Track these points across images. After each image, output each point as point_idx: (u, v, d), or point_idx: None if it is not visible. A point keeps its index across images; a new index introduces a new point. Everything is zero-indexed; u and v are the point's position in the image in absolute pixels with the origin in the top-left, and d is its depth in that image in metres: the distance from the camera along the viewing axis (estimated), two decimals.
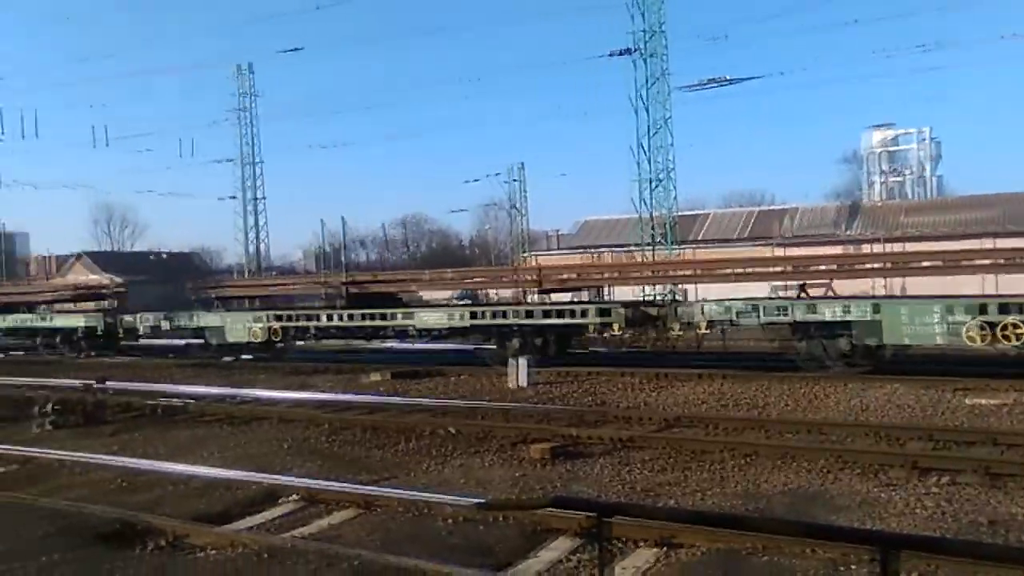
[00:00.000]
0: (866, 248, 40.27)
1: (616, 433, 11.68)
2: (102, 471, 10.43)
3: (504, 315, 20.78)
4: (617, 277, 28.74)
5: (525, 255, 57.84)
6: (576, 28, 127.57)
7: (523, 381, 16.99)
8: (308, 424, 13.49)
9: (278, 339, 23.77)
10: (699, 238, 52.02)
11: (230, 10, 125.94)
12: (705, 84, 38.07)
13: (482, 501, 7.25)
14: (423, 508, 8.13)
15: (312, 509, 8.55)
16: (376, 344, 26.30)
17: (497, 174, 61.21)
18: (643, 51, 37.49)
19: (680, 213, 42.51)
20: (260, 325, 23.63)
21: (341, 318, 22.87)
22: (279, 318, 23.72)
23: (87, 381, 16.48)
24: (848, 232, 48.80)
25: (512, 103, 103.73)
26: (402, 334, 22.86)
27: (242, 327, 23.87)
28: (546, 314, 20.35)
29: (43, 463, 11.07)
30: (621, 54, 37.57)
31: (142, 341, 28.72)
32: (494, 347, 21.02)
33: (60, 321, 29.24)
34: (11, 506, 8.42)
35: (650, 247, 39.35)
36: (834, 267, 25.04)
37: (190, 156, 49.91)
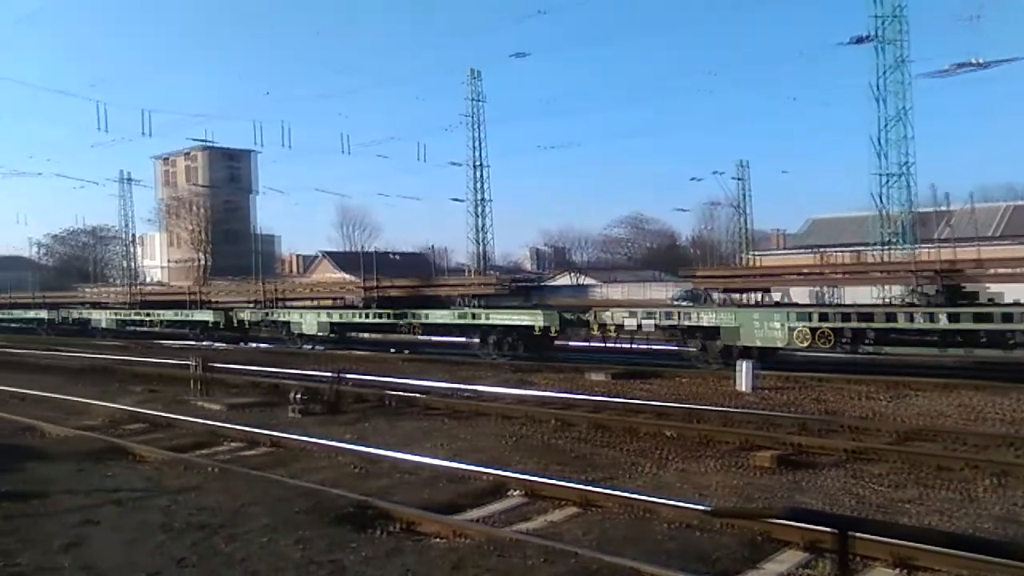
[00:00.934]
0: None
1: (846, 444, 11.07)
2: (341, 456, 11.26)
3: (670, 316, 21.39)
4: (844, 278, 27.26)
5: (747, 255, 55.98)
6: (807, 16, 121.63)
7: (746, 386, 16.49)
8: (528, 420, 13.84)
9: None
10: (942, 236, 47.95)
11: (459, 18, 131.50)
12: (952, 69, 34.95)
13: (711, 507, 7.11)
14: (642, 510, 8.10)
15: (534, 504, 8.77)
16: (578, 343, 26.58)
17: (721, 172, 59.46)
18: (880, 38, 35.11)
19: (921, 210, 39.41)
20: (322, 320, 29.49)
21: (379, 316, 28.74)
22: (340, 316, 29.68)
23: (330, 373, 17.81)
24: None
25: (740, 97, 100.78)
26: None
27: (314, 322, 29.42)
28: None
29: (291, 446, 12.12)
30: (859, 41, 35.37)
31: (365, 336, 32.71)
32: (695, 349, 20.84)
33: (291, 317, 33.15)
34: (271, 483, 9.30)
35: (886, 246, 36.83)
36: None
37: (422, 160, 52.29)
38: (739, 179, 59.24)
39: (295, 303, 37.78)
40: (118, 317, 41.78)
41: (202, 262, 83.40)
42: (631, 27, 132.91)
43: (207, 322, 35.41)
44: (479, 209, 51.89)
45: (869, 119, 36.44)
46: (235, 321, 34.13)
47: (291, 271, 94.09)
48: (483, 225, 52.31)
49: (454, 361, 23.74)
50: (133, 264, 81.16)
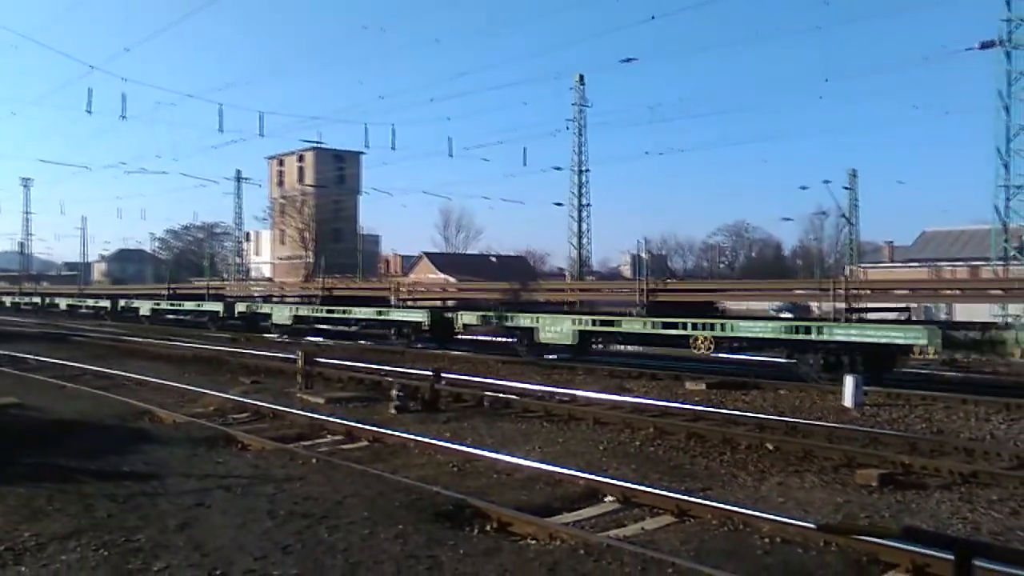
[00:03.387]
0: None
1: (957, 466, 10.60)
2: (440, 455, 11.45)
3: (804, 331, 19.98)
4: (957, 295, 26.07)
5: (853, 267, 54.18)
6: (931, 20, 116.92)
7: (851, 401, 15.98)
8: (624, 427, 13.77)
9: (585, 342, 24.66)
10: None
11: (568, 24, 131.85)
12: None
13: (817, 522, 6.93)
14: (741, 523, 7.96)
15: (628, 512, 8.72)
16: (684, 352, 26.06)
17: (828, 181, 57.83)
18: (1009, 42, 33.50)
19: None
20: (572, 328, 24.51)
21: (645, 325, 23.24)
22: (591, 322, 24.65)
23: (427, 372, 18.12)
24: None
25: (854, 105, 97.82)
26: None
27: (553, 329, 24.95)
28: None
29: (390, 442, 12.39)
30: (986, 47, 33.84)
31: (466, 336, 30.77)
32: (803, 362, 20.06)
33: (397, 315, 31.82)
34: (371, 477, 9.55)
35: (1004, 262, 35.10)
36: None
37: (523, 165, 52.63)
38: (848, 188, 57.43)
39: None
40: (297, 313, 36.71)
41: (310, 259, 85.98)
42: (741, 33, 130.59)
43: (418, 322, 29.93)
44: (580, 214, 51.87)
45: (993, 129, 34.87)
46: (457, 322, 28.65)
47: (391, 270, 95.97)
48: (583, 230, 52.27)
49: (548, 364, 23.79)
50: (243, 260, 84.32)
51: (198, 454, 11.01)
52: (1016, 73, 34.02)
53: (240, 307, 40.82)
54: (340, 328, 35.02)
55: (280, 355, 25.34)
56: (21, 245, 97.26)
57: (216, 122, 42.72)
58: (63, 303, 60.28)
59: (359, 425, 13.35)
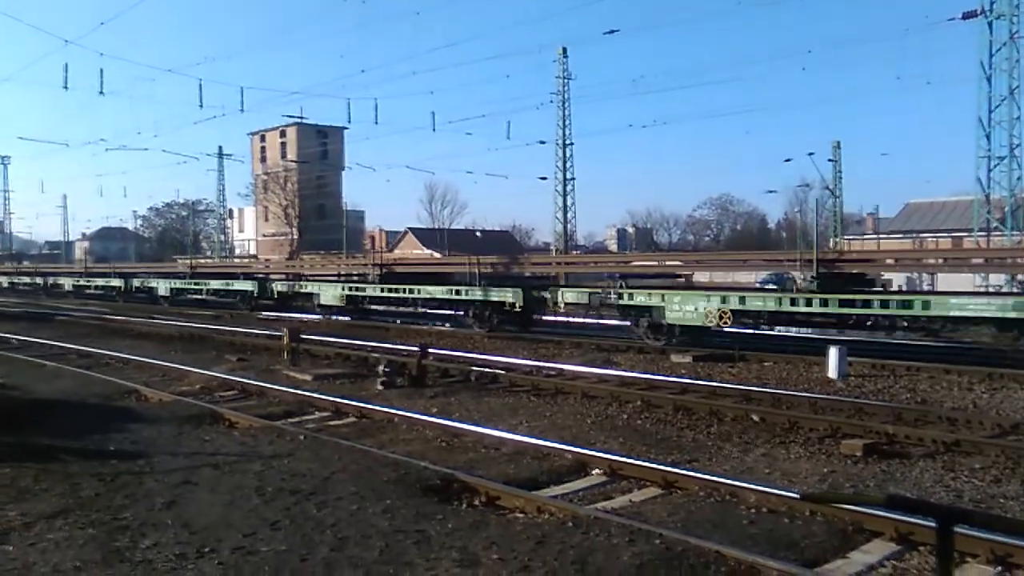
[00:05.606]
0: None
1: (940, 435, 10.71)
2: (427, 429, 11.47)
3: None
4: (940, 264, 26.18)
5: (837, 239, 54.43)
6: None
7: (835, 372, 16.10)
8: (611, 400, 13.83)
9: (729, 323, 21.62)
10: None
11: None
12: None
13: (801, 492, 6.98)
14: (727, 494, 8.03)
15: (616, 484, 8.79)
16: None
17: (812, 153, 58.02)
18: (991, 12, 33.49)
19: None
20: (719, 307, 21.09)
21: (825, 303, 19.23)
22: (740, 300, 21.22)
23: (414, 348, 18.10)
24: None
25: (837, 77, 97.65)
26: (887, 325, 19.93)
27: (686, 308, 21.70)
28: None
29: (377, 418, 12.40)
30: (966, 17, 33.82)
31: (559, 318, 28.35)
32: None
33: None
34: (359, 453, 9.55)
35: (986, 233, 35.33)
36: None
37: (507, 139, 52.36)
38: (833, 160, 57.54)
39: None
40: (350, 292, 32.37)
41: (294, 236, 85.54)
42: (724, 5, 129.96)
43: (507, 302, 25.86)
44: (564, 188, 51.78)
45: (975, 100, 34.96)
46: (557, 300, 24.69)
47: (376, 246, 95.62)
48: (568, 204, 52.22)
49: (537, 340, 23.79)
50: (227, 237, 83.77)
51: (185, 432, 10.98)
52: (998, 43, 34.05)
53: (279, 286, 36.92)
54: (400, 309, 31.76)
55: (266, 332, 25.26)
56: (0, 224, 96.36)
57: (197, 97, 42.28)
58: (68, 283, 56.01)
59: (346, 401, 13.35)
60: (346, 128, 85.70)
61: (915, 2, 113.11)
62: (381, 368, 15.95)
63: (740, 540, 6.69)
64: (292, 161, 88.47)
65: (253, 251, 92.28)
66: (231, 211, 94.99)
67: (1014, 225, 35.34)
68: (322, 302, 33.18)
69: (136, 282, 48.46)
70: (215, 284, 41.23)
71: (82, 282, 54.71)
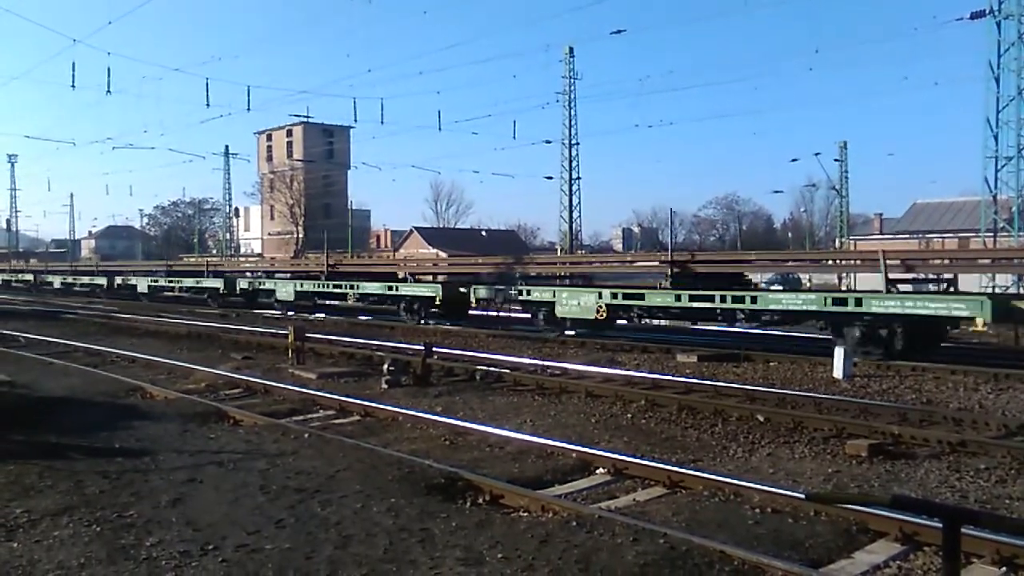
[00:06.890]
0: None
1: (945, 436, 10.66)
2: (431, 428, 11.48)
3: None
4: (947, 264, 25.95)
5: (843, 239, 54.30)
6: None
7: (841, 372, 16.06)
8: (615, 399, 13.82)
9: (605, 317, 23.26)
10: None
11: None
12: None
13: (806, 492, 6.96)
14: (732, 494, 8.02)
15: (620, 483, 8.77)
16: (685, 324, 25.91)
17: (819, 153, 57.93)
18: (997, 13, 33.36)
19: None
20: (596, 302, 23.12)
21: (678, 299, 21.65)
22: (613, 296, 23.15)
23: (419, 347, 18.12)
24: None
25: (844, 77, 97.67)
26: (729, 317, 21.74)
27: (577, 303, 23.62)
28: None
29: (381, 416, 12.41)
30: (974, 17, 33.69)
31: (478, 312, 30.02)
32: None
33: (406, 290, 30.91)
34: (364, 451, 9.56)
35: (993, 234, 35.20)
36: None
37: (513, 138, 52.31)
38: (839, 160, 57.44)
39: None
40: (301, 289, 35.67)
41: (300, 235, 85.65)
42: (731, 5, 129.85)
43: (430, 297, 29.19)
44: (571, 187, 51.76)
45: (983, 100, 34.85)
46: (471, 296, 27.77)
47: (381, 245, 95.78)
48: (571, 203, 52.19)
49: (539, 339, 23.79)
50: (232, 236, 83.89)
51: (190, 430, 10.99)
52: (1006, 43, 33.92)
53: (242, 283, 39.78)
54: (346, 304, 34.70)
55: (271, 331, 25.30)
56: (8, 222, 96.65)
57: (203, 96, 42.35)
58: (57, 281, 58.66)
59: (351, 400, 13.35)
60: (352, 127, 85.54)
61: (923, 2, 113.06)
62: (386, 367, 15.96)
63: (745, 540, 6.67)
64: (298, 160, 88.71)
65: (258, 250, 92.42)
66: (237, 210, 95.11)
67: (1021, 226, 35.21)
68: (279, 298, 36.29)
69: (119, 280, 50.66)
70: (188, 282, 44.17)
71: (69, 280, 57.13)
